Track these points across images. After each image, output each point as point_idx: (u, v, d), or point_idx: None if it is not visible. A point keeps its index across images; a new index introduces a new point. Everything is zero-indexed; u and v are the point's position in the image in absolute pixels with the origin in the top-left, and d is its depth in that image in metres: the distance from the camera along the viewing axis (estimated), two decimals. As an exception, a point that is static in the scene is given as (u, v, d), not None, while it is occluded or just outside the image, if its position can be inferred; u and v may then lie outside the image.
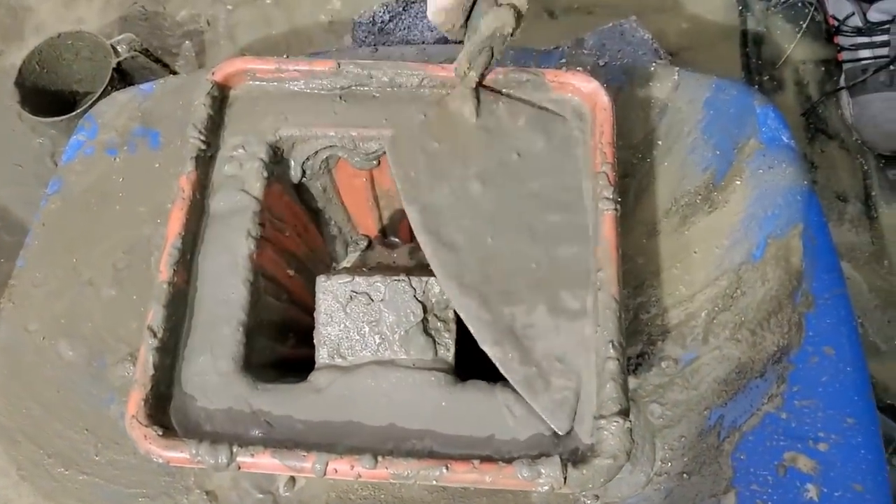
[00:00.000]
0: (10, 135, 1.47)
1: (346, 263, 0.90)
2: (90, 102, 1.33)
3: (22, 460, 0.75)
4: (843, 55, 1.46)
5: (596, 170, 0.73)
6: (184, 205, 0.71)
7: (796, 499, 0.71)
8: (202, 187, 0.74)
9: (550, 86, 0.77)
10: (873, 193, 1.40)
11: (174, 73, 1.47)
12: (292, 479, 0.73)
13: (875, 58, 1.38)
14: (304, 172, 0.81)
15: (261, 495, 0.72)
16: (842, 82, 1.48)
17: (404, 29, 1.38)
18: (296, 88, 0.79)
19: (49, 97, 1.39)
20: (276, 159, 0.77)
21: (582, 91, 0.76)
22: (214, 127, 0.76)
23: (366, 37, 1.38)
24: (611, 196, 0.70)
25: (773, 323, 0.78)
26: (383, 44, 1.30)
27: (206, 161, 0.74)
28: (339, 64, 0.77)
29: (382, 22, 1.37)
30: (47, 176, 1.42)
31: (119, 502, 0.73)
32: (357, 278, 0.70)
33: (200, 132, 0.74)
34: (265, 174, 0.75)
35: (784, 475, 0.72)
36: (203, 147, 0.74)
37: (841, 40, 1.45)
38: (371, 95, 0.78)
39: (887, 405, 1.18)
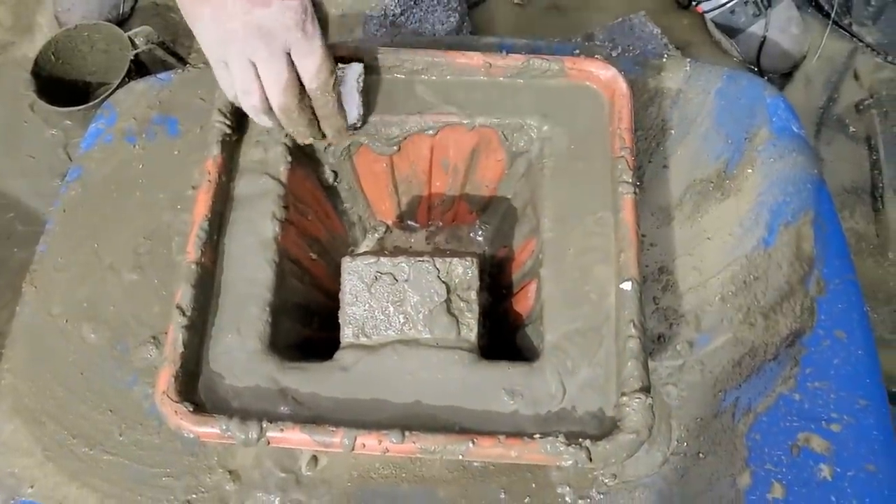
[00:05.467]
0: (23, 126, 1.47)
1: (364, 248, 0.91)
2: (106, 93, 1.34)
3: (47, 441, 0.75)
4: (703, 6, 1.57)
5: (615, 155, 0.74)
6: (210, 188, 0.72)
7: (810, 478, 0.72)
8: (227, 171, 0.75)
9: (569, 73, 0.78)
10: (880, 185, 1.42)
11: (188, 65, 1.48)
12: (314, 458, 0.74)
13: None
14: (326, 158, 0.82)
15: (283, 474, 0.73)
16: (714, 32, 1.59)
17: (415, 22, 1.39)
18: (318, 75, 0.80)
19: (63, 88, 1.40)
20: (299, 144, 0.79)
21: (600, 78, 0.78)
22: (238, 112, 0.77)
23: (377, 30, 1.39)
24: (630, 180, 0.72)
25: (785, 307, 0.79)
26: (395, 36, 1.32)
27: (230, 145, 0.76)
28: (356, 49, 0.79)
29: (394, 16, 1.39)
30: (60, 167, 1.42)
31: (143, 481, 0.74)
32: (382, 259, 0.71)
33: (225, 116, 0.75)
34: (289, 158, 0.76)
35: (798, 455, 0.73)
36: (228, 131, 0.75)
37: None
38: (391, 81, 0.80)
39: (893, 394, 1.19)
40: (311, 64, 0.69)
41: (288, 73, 0.68)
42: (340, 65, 0.76)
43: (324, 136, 0.76)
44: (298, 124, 0.72)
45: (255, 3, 0.65)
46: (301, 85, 0.70)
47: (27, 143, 1.46)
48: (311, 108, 0.72)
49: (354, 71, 0.77)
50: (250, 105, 0.71)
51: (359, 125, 0.77)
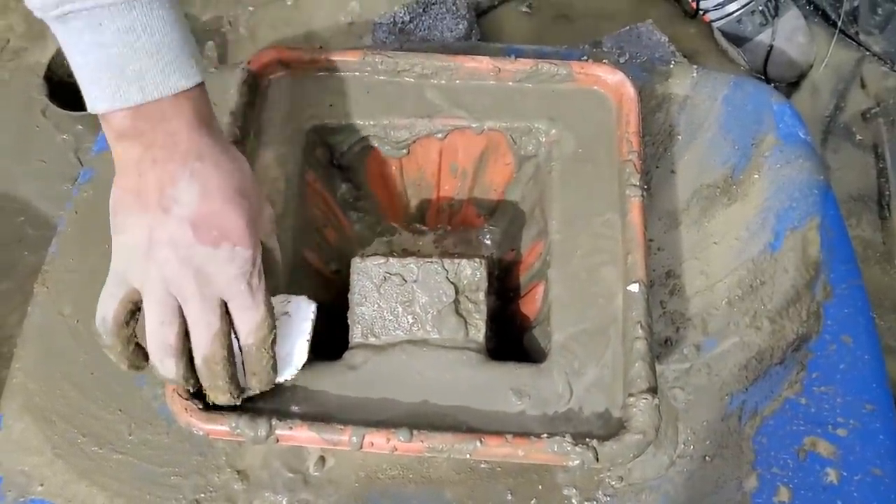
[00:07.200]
0: (35, 131, 1.49)
1: (373, 250, 0.92)
2: (117, 98, 1.35)
3: (57, 439, 0.76)
4: (710, 16, 1.58)
5: (623, 158, 0.75)
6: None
7: (817, 482, 0.72)
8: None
9: (577, 77, 0.79)
10: (887, 193, 1.42)
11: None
12: (322, 458, 0.74)
13: (742, 7, 1.53)
14: (336, 161, 0.83)
15: (291, 475, 0.74)
16: (721, 41, 1.61)
17: (424, 30, 1.41)
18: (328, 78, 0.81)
19: (75, 93, 1.41)
20: (310, 147, 0.79)
21: (608, 83, 0.79)
22: (249, 115, 0.78)
23: (386, 38, 1.41)
24: (637, 183, 0.73)
25: (791, 312, 0.79)
26: (404, 43, 1.33)
27: (241, 148, 0.76)
28: (364, 55, 0.80)
29: (402, 23, 1.41)
30: (71, 172, 1.43)
31: (152, 480, 0.74)
32: (391, 260, 0.72)
33: (237, 119, 0.76)
34: (300, 161, 0.77)
35: (804, 459, 0.73)
36: (238, 134, 0.76)
37: (703, 4, 1.58)
38: (401, 85, 0.81)
39: (901, 402, 1.19)
40: (251, 320, 0.59)
41: (220, 323, 0.58)
42: (290, 298, 0.67)
43: (241, 394, 0.63)
44: (219, 378, 0.60)
45: (203, 238, 0.55)
46: (231, 336, 0.60)
47: (38, 147, 1.47)
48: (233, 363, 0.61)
49: (304, 312, 0.67)
50: (163, 342, 0.57)
51: (293, 378, 0.67)
